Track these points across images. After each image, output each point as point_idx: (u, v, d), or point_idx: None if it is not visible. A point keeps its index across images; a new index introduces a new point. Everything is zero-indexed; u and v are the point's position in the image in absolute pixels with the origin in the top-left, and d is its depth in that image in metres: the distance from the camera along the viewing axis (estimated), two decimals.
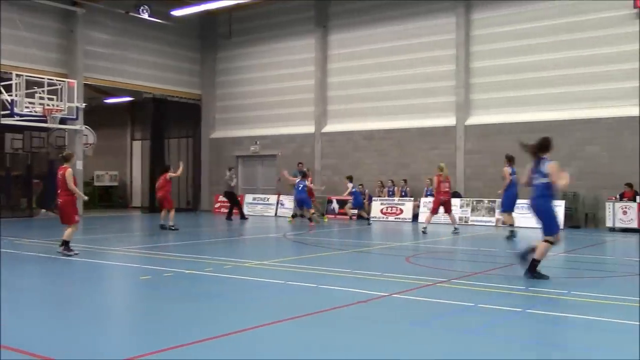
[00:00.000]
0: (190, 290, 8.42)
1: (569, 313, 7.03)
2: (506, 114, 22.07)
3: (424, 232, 17.14)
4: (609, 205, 18.92)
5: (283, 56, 27.77)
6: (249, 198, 27.18)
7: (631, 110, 19.69)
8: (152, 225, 19.59)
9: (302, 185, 20.87)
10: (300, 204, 21.27)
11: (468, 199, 21.82)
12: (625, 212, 18.59)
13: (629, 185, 19.06)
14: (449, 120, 23.19)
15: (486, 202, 21.25)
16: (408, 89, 24.27)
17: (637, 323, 6.28)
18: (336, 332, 6.05)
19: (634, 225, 18.33)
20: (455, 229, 17.58)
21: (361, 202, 22.14)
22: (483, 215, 21.08)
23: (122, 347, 5.65)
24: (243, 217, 23.29)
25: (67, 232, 11.69)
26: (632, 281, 9.48)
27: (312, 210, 21.24)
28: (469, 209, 21.41)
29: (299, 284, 8.74)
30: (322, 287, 8.42)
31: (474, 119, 22.84)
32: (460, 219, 21.24)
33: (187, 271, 9.80)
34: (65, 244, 11.60)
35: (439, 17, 23.60)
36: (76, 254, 11.52)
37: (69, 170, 11.85)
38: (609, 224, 18.85)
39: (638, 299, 7.59)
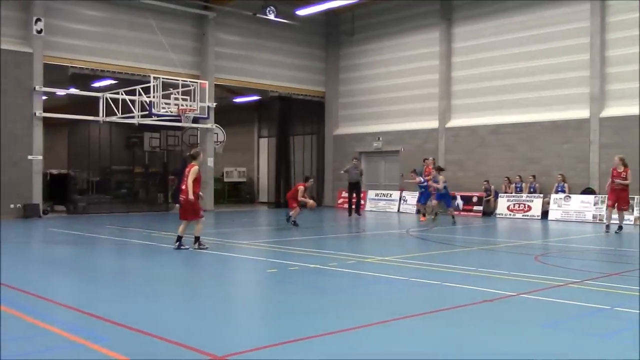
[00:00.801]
0: (315, 284, 8.59)
1: None
2: None
3: (617, 232, 16.01)
4: None
5: (406, 51, 27.57)
6: (371, 194, 27.30)
7: None
8: (277, 220, 20.16)
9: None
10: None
11: (603, 195, 20.59)
12: None
13: None
14: (582, 113, 21.99)
15: None
16: (537, 81, 23.29)
17: None
18: (461, 331, 5.94)
19: None
20: (620, 227, 16.26)
21: (448, 200, 20.12)
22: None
23: (248, 336, 5.87)
24: (357, 212, 22.82)
25: (197, 228, 12.14)
26: None
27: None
28: (604, 207, 20.16)
29: (423, 281, 8.65)
30: (446, 285, 8.30)
31: (609, 111, 21.50)
32: (594, 216, 20.18)
33: (312, 265, 10.01)
34: (197, 239, 12.09)
35: (570, 4, 22.44)
36: (206, 247, 12.06)
37: (195, 167, 11.97)
38: None
39: None
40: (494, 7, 24.56)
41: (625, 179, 16.03)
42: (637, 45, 20.75)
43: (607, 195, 16.73)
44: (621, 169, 16.08)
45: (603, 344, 5.49)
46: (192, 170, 11.91)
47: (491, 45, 24.65)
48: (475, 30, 25.23)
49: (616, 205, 16.14)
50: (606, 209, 17.06)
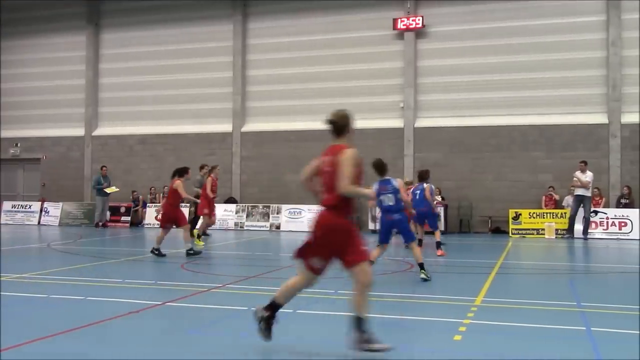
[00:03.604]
0: None
1: (332, 311, 7.45)
2: (280, 122, 22.92)
3: None
4: (371, 210, 20.49)
5: (50, 53, 25.93)
6: (7, 205, 24.82)
7: (390, 122, 21.69)
8: None
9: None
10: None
11: (243, 204, 22.20)
12: None
13: None
14: (226, 127, 23.44)
15: (261, 207, 21.80)
16: (185, 94, 24.07)
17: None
18: (106, 345, 5.77)
19: None
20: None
21: None
22: (258, 220, 21.59)
23: None
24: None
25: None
26: (393, 279, 10.38)
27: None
28: (245, 215, 21.80)
29: (65, 297, 8.17)
30: (90, 299, 7.97)
31: (249, 126, 23.35)
32: (236, 224, 21.58)
33: None
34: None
35: (216, 23, 23.77)
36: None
37: (179, 182, 13.13)
38: (371, 226, 20.42)
39: (398, 294, 8.33)
40: (141, 17, 24.70)
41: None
42: (274, 67, 23.05)
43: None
44: None
45: (245, 343, 5.87)
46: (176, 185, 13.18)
47: (139, 55, 24.71)
48: (123, 38, 24.99)
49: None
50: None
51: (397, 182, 9.90)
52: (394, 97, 21.82)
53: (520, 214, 19.40)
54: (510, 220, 19.47)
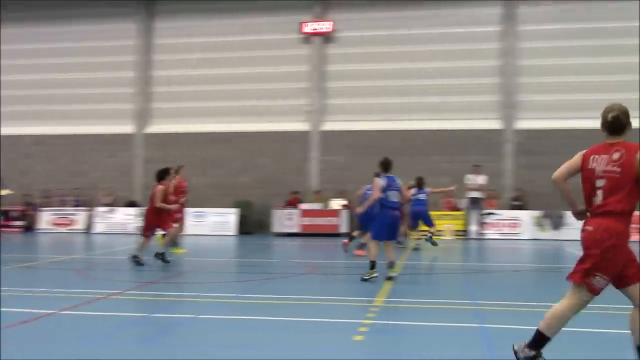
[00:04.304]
0: None
1: (234, 315, 7.38)
2: (187, 124, 22.53)
3: None
4: (276, 212, 20.53)
5: None
6: None
7: (296, 126, 21.80)
8: None
9: None
10: None
11: (144, 208, 21.60)
12: (289, 218, 20.36)
13: (295, 192, 21.00)
14: (128, 128, 22.80)
15: None
16: (85, 94, 23.24)
17: (312, 320, 6.92)
18: None
19: (296, 230, 20.20)
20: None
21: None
22: None
23: None
24: None
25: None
26: (295, 281, 10.40)
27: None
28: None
29: None
30: None
31: (154, 128, 22.79)
32: (137, 228, 20.98)
33: None
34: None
35: (119, 21, 23.08)
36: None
37: (160, 187, 11.64)
38: (276, 229, 20.43)
39: (300, 296, 8.35)
40: (44, 12, 23.64)
41: None
42: (181, 68, 22.65)
43: None
44: None
45: (144, 349, 5.70)
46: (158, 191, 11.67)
47: (39, 52, 23.78)
48: (24, 33, 23.86)
49: None
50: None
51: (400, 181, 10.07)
52: (300, 100, 21.95)
53: None
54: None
